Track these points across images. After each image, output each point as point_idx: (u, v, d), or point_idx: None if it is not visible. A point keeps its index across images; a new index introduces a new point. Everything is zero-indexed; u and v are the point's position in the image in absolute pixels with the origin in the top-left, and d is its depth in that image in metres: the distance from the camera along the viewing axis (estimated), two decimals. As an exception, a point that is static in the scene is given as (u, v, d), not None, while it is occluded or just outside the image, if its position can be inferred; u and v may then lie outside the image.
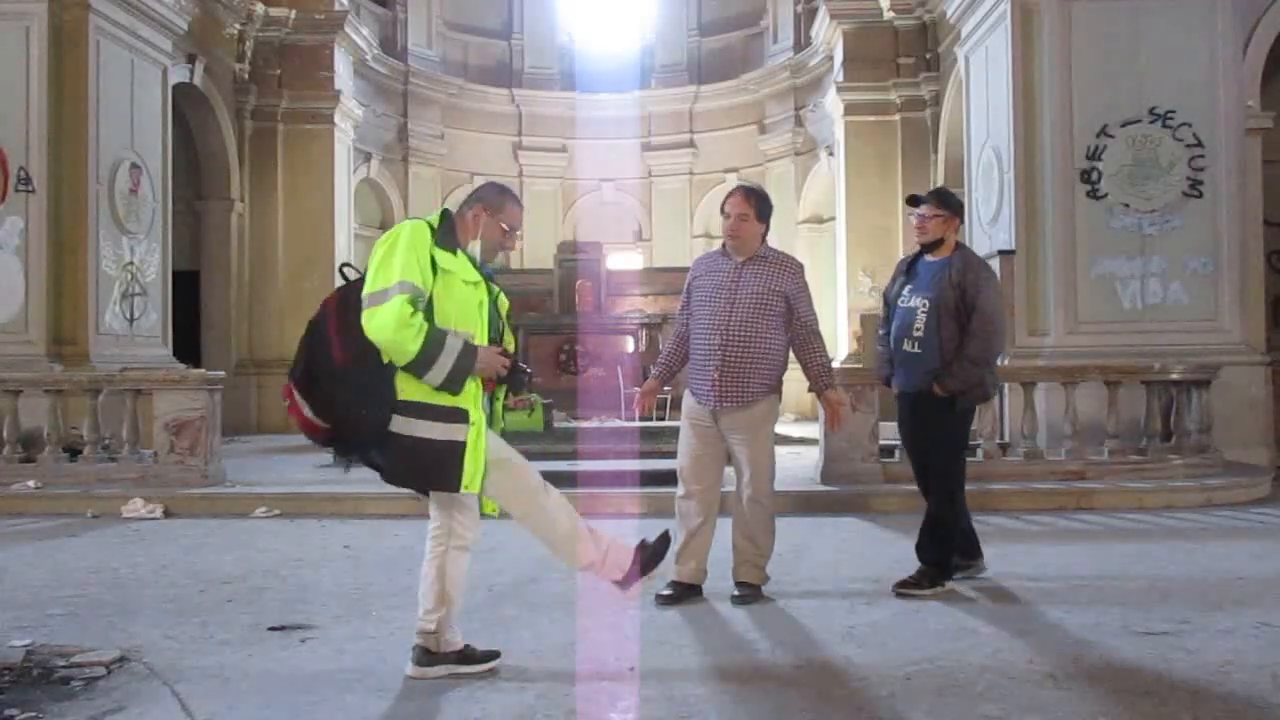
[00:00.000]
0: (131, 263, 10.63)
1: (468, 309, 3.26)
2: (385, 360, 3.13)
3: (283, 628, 4.01)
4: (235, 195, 13.71)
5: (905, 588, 4.45)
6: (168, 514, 7.10)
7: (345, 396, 3.12)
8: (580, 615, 4.16)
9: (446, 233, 3.29)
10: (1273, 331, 10.25)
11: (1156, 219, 9.05)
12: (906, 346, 4.61)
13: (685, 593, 4.40)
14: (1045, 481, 7.41)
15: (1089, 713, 3.00)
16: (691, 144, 18.49)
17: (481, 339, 3.28)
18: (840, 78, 14.44)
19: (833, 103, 14.73)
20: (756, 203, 4.45)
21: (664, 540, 3.86)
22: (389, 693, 3.24)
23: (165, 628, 4.02)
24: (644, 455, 8.33)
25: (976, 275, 4.52)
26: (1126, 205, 9.06)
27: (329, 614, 4.25)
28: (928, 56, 13.78)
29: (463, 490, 3.25)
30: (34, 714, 3.02)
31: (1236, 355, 8.75)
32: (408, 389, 3.19)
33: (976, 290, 4.46)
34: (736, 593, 4.40)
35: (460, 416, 3.21)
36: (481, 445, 3.27)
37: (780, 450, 10.87)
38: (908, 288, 4.68)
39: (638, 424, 9.46)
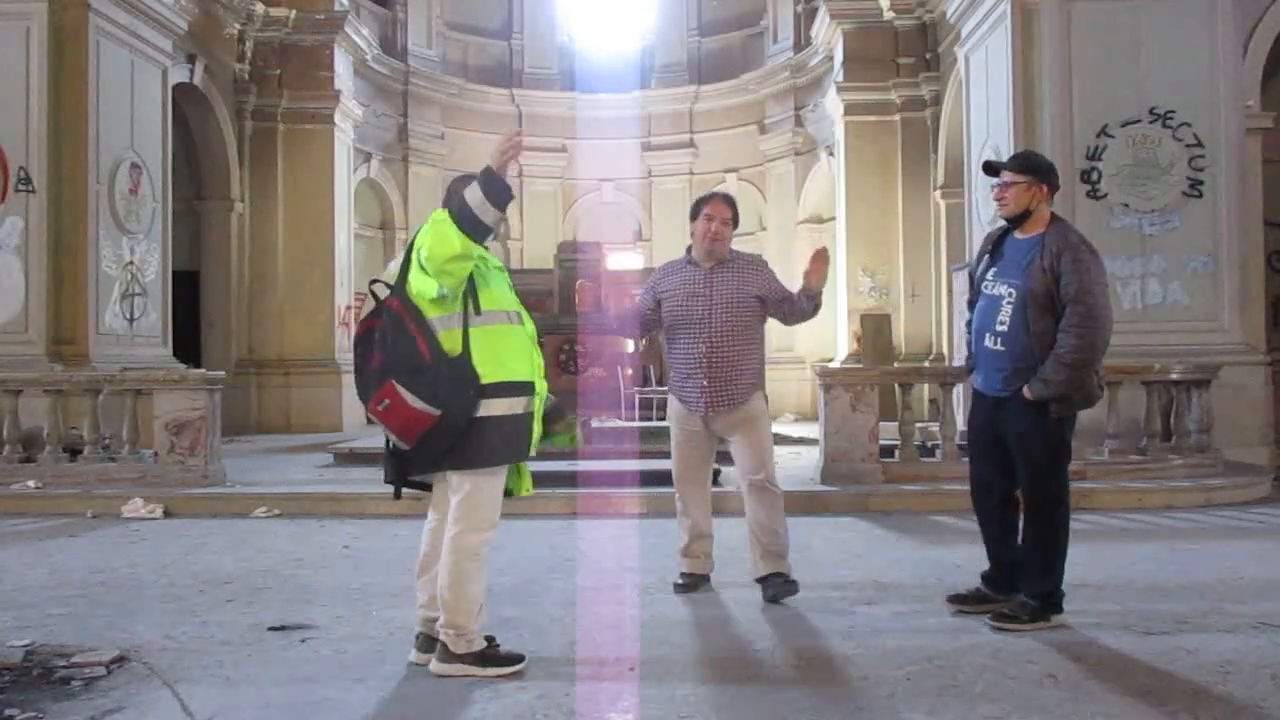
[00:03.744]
0: (131, 263, 10.64)
1: (505, 290, 3.44)
2: (460, 351, 3.26)
3: (283, 628, 4.01)
4: (235, 195, 13.71)
5: (1002, 620, 3.88)
6: (168, 514, 7.10)
7: (444, 385, 3.23)
8: (580, 615, 4.16)
9: None
10: (1273, 331, 10.25)
11: (1156, 219, 9.06)
12: (989, 342, 3.99)
13: (699, 581, 4.60)
14: (1045, 481, 7.39)
15: (1089, 713, 3.00)
16: (691, 144, 18.49)
17: (524, 313, 3.47)
18: (840, 78, 14.44)
19: (833, 103, 14.73)
20: (735, 210, 4.56)
21: (510, 660, 3.42)
22: (389, 693, 3.24)
23: (165, 628, 4.02)
24: (644, 455, 8.32)
25: (1075, 257, 3.81)
26: (1126, 205, 9.07)
27: (329, 614, 4.25)
28: (928, 56, 13.78)
29: (531, 454, 3.43)
30: (34, 714, 3.02)
31: (1236, 355, 8.75)
32: (488, 372, 3.28)
33: (1074, 276, 3.78)
34: (777, 585, 4.36)
35: (528, 389, 3.39)
36: (538, 414, 3.45)
37: (780, 450, 10.84)
38: (993, 270, 4.06)
39: (637, 424, 9.46)
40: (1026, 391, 3.87)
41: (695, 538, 4.58)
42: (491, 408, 3.28)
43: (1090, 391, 3.94)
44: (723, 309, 4.42)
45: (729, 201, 4.58)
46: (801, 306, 4.51)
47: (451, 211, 3.22)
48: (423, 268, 3.26)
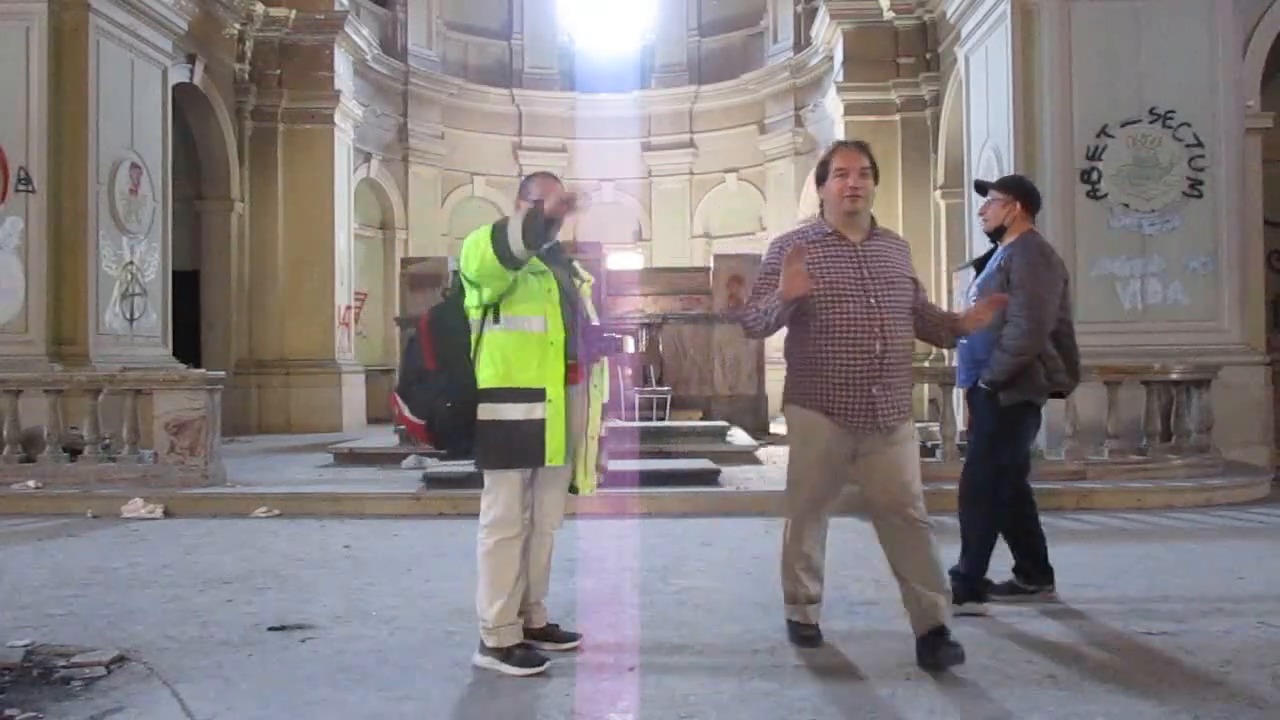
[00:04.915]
0: (131, 263, 10.63)
1: (535, 295, 3.49)
2: (469, 359, 3.46)
3: (283, 628, 4.02)
4: (235, 195, 13.71)
5: None
6: (168, 514, 7.10)
7: (428, 395, 3.47)
8: (580, 615, 4.16)
9: None
10: (1273, 331, 10.26)
11: (1156, 219, 9.06)
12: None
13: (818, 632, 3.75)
14: (1045, 481, 7.38)
15: (1089, 713, 3.00)
16: (691, 144, 18.49)
17: (554, 321, 3.49)
18: (840, 78, 14.44)
19: (833, 103, 14.73)
20: (873, 159, 3.59)
21: (533, 662, 3.44)
22: (389, 692, 3.24)
23: (165, 628, 4.02)
24: (644, 455, 8.32)
25: (1026, 258, 4.11)
26: (1126, 205, 9.07)
27: (329, 614, 4.25)
28: (928, 56, 13.78)
29: (548, 462, 3.45)
30: (34, 714, 3.03)
31: (1236, 355, 8.75)
32: (488, 378, 3.44)
33: (1020, 270, 4.07)
34: (947, 643, 3.38)
35: (538, 396, 3.43)
36: (561, 422, 3.47)
37: (780, 450, 10.79)
38: (976, 279, 4.41)
39: (638, 424, 9.46)
40: (980, 381, 4.17)
41: (814, 578, 3.74)
42: (488, 412, 3.42)
43: (1037, 381, 4.15)
44: (888, 294, 3.49)
45: (864, 148, 3.60)
46: (936, 332, 3.74)
47: (493, 231, 3.34)
48: (466, 279, 3.48)
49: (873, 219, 3.60)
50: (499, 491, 3.48)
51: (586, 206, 3.55)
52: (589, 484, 3.70)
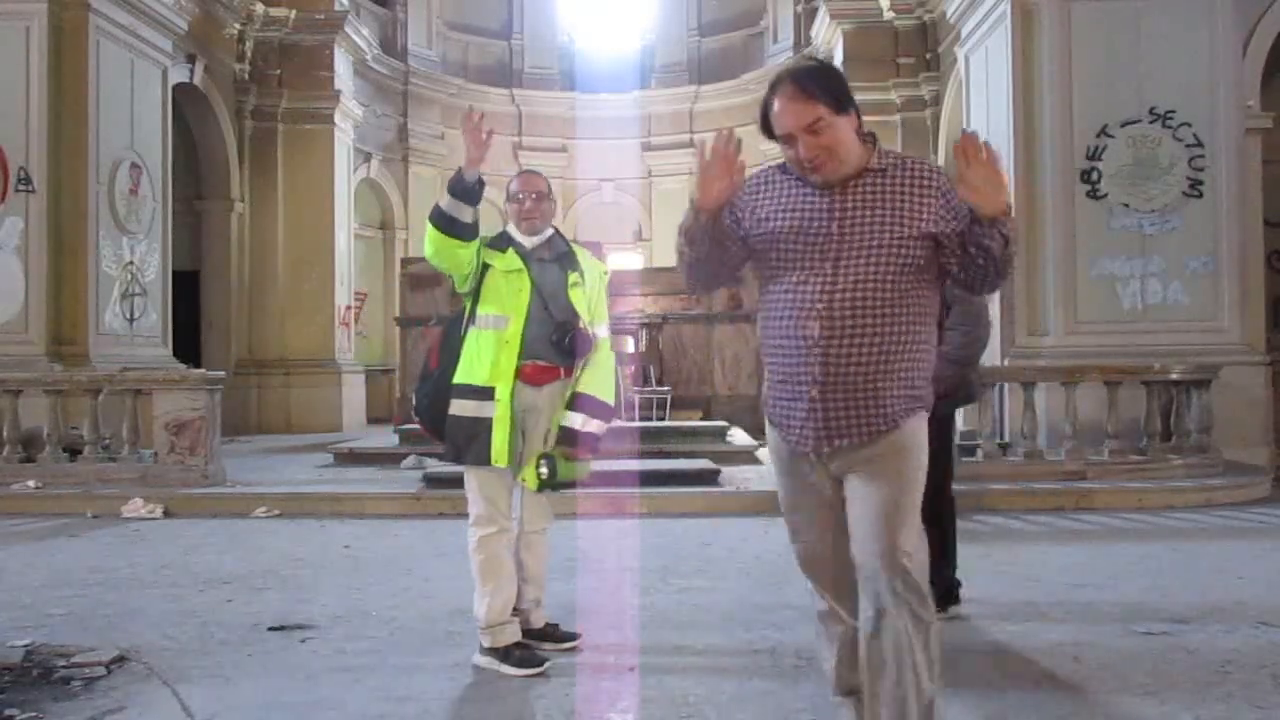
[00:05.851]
0: (131, 263, 10.63)
1: (505, 294, 3.55)
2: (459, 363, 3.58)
3: (283, 628, 4.02)
4: (235, 195, 13.70)
5: None
6: (168, 514, 7.10)
7: (422, 393, 3.68)
8: (580, 615, 4.15)
9: (496, 237, 3.68)
10: (1273, 331, 10.25)
11: (1156, 219, 9.06)
12: None
13: None
14: (1045, 481, 7.41)
15: (1089, 713, 3.00)
16: (692, 144, 18.44)
17: (518, 318, 3.51)
18: (840, 78, 14.44)
19: (833, 103, 14.72)
20: (824, 91, 2.32)
21: (531, 662, 3.44)
22: (389, 693, 3.24)
23: (165, 628, 4.02)
24: (644, 455, 8.32)
25: None
26: (1126, 205, 9.07)
27: (329, 614, 4.25)
28: (928, 56, 13.78)
29: (492, 463, 3.43)
30: (34, 714, 3.03)
31: (1236, 355, 8.75)
32: (458, 375, 3.54)
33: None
34: None
35: (488, 394, 3.47)
36: (506, 423, 3.45)
37: (780, 450, 10.59)
38: None
39: (638, 424, 9.45)
40: None
41: (848, 644, 2.50)
42: (451, 407, 3.53)
43: (972, 388, 4.25)
44: (861, 257, 2.35)
45: (807, 89, 2.32)
46: (984, 242, 2.26)
47: (430, 215, 3.51)
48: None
49: (876, 147, 2.42)
50: (473, 488, 3.53)
51: (480, 124, 3.40)
52: (533, 478, 3.52)
